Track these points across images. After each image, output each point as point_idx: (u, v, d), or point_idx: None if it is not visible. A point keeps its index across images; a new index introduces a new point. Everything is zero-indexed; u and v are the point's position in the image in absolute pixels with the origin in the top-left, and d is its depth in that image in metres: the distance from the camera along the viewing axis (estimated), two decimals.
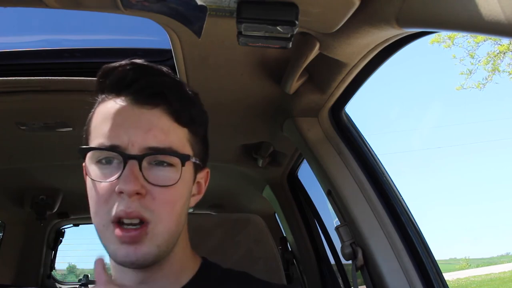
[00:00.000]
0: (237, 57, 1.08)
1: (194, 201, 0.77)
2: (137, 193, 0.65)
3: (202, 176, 0.79)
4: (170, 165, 0.68)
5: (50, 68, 1.31)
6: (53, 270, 3.17)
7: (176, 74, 1.12)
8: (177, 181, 0.68)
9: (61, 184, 2.35)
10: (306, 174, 1.86)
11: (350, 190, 1.19)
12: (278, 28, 0.76)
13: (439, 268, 1.14)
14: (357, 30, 0.85)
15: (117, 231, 0.66)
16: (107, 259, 0.69)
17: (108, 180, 0.66)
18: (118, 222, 0.66)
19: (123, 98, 0.70)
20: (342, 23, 0.82)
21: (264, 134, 1.60)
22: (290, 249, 2.30)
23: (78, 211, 2.89)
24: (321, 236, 1.89)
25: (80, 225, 3.24)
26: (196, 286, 0.76)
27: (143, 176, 0.66)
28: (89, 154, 0.69)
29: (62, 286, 3.31)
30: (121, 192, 0.65)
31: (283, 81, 1.17)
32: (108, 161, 0.68)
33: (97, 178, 0.68)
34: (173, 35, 0.94)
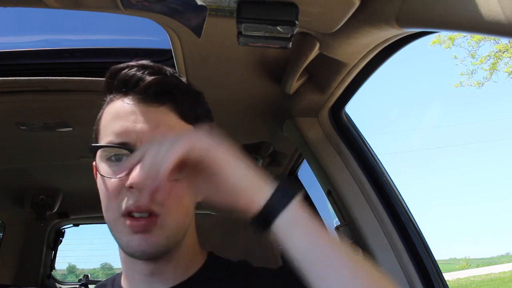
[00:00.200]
0: (237, 57, 1.08)
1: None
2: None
3: None
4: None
5: (50, 68, 1.31)
6: (53, 270, 3.17)
7: None
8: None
9: (61, 184, 2.35)
10: (306, 174, 1.86)
11: (350, 190, 1.19)
12: (278, 28, 0.76)
13: (439, 268, 1.14)
14: (357, 30, 0.85)
15: (128, 222, 0.68)
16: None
17: (118, 176, 0.69)
18: (128, 215, 0.69)
19: (130, 97, 0.73)
20: (342, 23, 0.82)
21: (264, 134, 1.60)
22: None
23: (78, 211, 2.89)
24: None
25: (80, 225, 3.23)
26: (204, 277, 0.79)
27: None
28: (99, 152, 0.72)
29: (62, 286, 3.31)
30: (131, 187, 0.67)
31: (283, 81, 1.17)
32: (118, 158, 0.71)
33: (107, 174, 0.70)
34: (173, 35, 0.94)
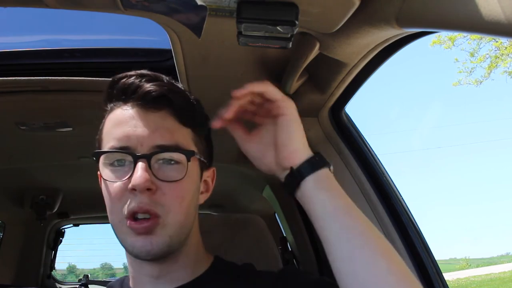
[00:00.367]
0: (237, 57, 1.08)
1: (202, 198, 0.84)
2: (148, 189, 0.70)
3: (209, 174, 0.86)
4: (177, 162, 0.74)
5: (50, 68, 1.31)
6: (53, 270, 3.17)
7: (176, 74, 1.12)
8: (184, 176, 0.73)
9: (61, 184, 2.35)
10: None
11: (350, 190, 1.19)
12: (278, 28, 0.76)
13: (439, 268, 1.14)
14: (357, 30, 0.85)
15: (132, 224, 0.71)
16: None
17: (120, 180, 0.72)
18: (132, 217, 0.72)
19: (130, 104, 0.76)
20: (342, 23, 0.82)
21: None
22: (290, 249, 2.30)
23: (78, 211, 2.89)
24: None
25: (80, 225, 3.23)
26: (210, 278, 0.81)
27: (153, 173, 0.72)
28: (102, 159, 0.75)
29: (62, 286, 3.31)
30: (133, 189, 0.70)
31: (283, 81, 1.17)
32: (120, 163, 0.74)
33: (110, 179, 0.74)
34: (173, 35, 0.94)
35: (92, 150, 0.79)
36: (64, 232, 3.15)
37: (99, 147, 0.79)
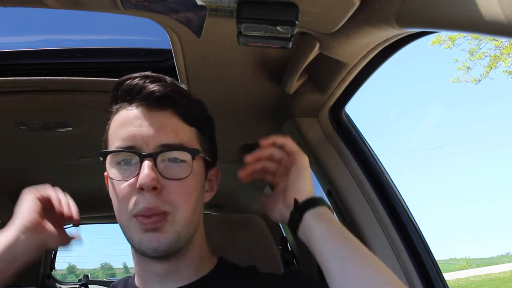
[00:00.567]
0: (237, 57, 1.08)
1: (208, 197, 0.86)
2: (155, 188, 0.71)
3: (213, 173, 0.87)
4: (182, 161, 0.76)
5: (50, 68, 1.31)
6: (53, 270, 3.17)
7: (176, 74, 1.12)
8: (189, 174, 0.75)
9: (61, 184, 2.34)
10: None
11: (350, 190, 1.19)
12: (278, 28, 0.76)
13: (439, 268, 1.14)
14: (357, 30, 0.85)
15: (140, 219, 0.72)
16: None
17: (127, 179, 0.74)
18: (139, 215, 0.73)
19: (134, 104, 0.77)
20: (342, 23, 0.82)
21: (264, 134, 1.59)
22: (290, 249, 2.30)
23: (78, 211, 2.89)
24: None
25: (80, 225, 3.23)
26: (215, 278, 0.82)
27: (159, 172, 0.73)
28: (108, 159, 0.76)
29: (62, 286, 3.31)
30: (141, 189, 0.71)
31: (283, 81, 1.17)
32: (127, 163, 0.75)
33: (117, 178, 0.75)
34: (173, 35, 0.94)
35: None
36: None
37: (105, 147, 0.80)
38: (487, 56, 10.44)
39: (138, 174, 0.72)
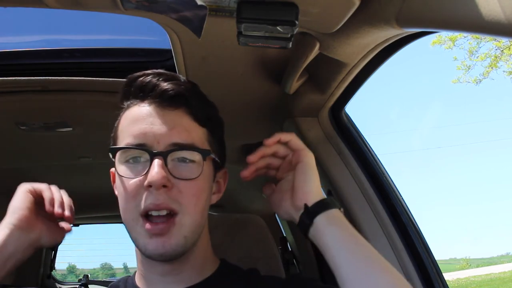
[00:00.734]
0: (237, 57, 1.08)
1: (215, 198, 0.85)
2: (164, 186, 0.71)
3: (221, 175, 0.87)
4: (192, 161, 0.75)
5: (50, 68, 1.31)
6: (53, 270, 3.17)
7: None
8: (199, 175, 0.74)
9: (61, 184, 2.34)
10: None
11: (350, 190, 1.19)
12: (278, 28, 0.76)
13: (439, 268, 1.14)
14: (357, 30, 0.85)
15: (147, 225, 0.71)
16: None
17: (136, 176, 0.73)
18: (147, 215, 0.72)
19: (147, 102, 0.77)
20: (342, 23, 0.82)
21: (264, 134, 1.59)
22: (290, 249, 2.30)
23: (78, 211, 2.88)
24: None
25: (80, 225, 3.23)
26: (218, 280, 0.82)
27: (169, 171, 0.72)
28: (117, 155, 0.75)
29: (62, 286, 3.30)
30: (149, 186, 0.70)
31: (283, 81, 1.17)
32: (136, 160, 0.74)
33: (126, 175, 0.74)
34: (173, 35, 0.94)
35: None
36: None
37: (114, 144, 0.79)
38: (488, 57, 10.44)
39: (147, 172, 0.71)
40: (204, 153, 0.75)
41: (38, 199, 0.84)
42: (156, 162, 0.71)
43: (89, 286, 2.78)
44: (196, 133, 0.76)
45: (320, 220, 0.76)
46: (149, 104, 0.76)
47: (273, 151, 0.82)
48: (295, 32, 0.78)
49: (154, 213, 0.72)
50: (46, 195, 0.85)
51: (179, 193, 0.72)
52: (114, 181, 0.81)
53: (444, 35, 10.19)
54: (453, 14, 0.64)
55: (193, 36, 0.77)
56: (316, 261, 1.96)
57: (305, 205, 0.77)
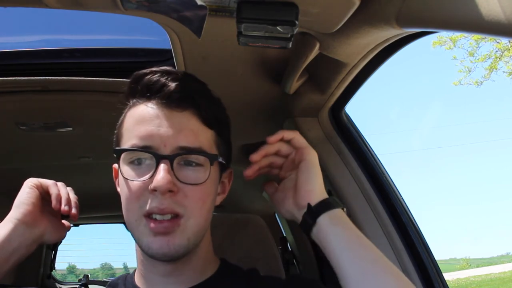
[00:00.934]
0: (237, 56, 1.08)
1: (219, 199, 0.84)
2: (170, 191, 0.69)
3: (226, 176, 0.86)
4: (199, 164, 0.73)
5: (50, 68, 1.30)
6: (53, 270, 3.17)
7: None
8: (206, 180, 0.73)
9: None
10: None
11: (350, 190, 1.19)
12: (278, 28, 0.76)
13: (439, 268, 1.14)
14: (357, 30, 0.85)
15: (151, 224, 0.70)
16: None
17: (141, 179, 0.71)
18: (150, 216, 0.71)
19: (154, 102, 0.74)
20: (342, 23, 0.82)
21: (264, 134, 1.59)
22: (290, 249, 2.30)
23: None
24: None
25: (80, 225, 3.23)
26: (218, 281, 0.81)
27: (175, 175, 0.71)
28: (122, 156, 0.73)
29: (62, 286, 3.30)
30: (154, 190, 0.69)
31: (283, 81, 1.17)
32: (140, 162, 0.73)
33: (130, 177, 0.72)
34: (173, 35, 0.94)
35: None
36: None
37: (118, 141, 0.78)
38: (488, 58, 10.44)
39: (153, 176, 0.70)
40: (212, 158, 0.74)
41: (43, 195, 0.84)
42: (162, 166, 0.69)
43: (89, 286, 2.79)
44: (203, 136, 0.75)
45: (323, 220, 0.75)
46: (156, 105, 0.74)
47: (276, 149, 0.81)
48: (295, 32, 0.78)
49: (158, 216, 0.71)
50: (53, 192, 0.84)
51: (185, 197, 0.71)
52: (116, 177, 0.80)
53: (445, 35, 10.20)
54: (453, 14, 0.64)
55: (193, 36, 0.77)
56: (316, 261, 1.96)
57: (308, 204, 0.77)
